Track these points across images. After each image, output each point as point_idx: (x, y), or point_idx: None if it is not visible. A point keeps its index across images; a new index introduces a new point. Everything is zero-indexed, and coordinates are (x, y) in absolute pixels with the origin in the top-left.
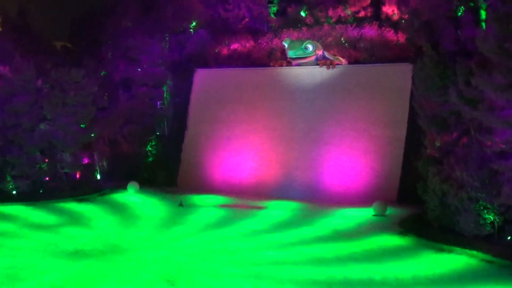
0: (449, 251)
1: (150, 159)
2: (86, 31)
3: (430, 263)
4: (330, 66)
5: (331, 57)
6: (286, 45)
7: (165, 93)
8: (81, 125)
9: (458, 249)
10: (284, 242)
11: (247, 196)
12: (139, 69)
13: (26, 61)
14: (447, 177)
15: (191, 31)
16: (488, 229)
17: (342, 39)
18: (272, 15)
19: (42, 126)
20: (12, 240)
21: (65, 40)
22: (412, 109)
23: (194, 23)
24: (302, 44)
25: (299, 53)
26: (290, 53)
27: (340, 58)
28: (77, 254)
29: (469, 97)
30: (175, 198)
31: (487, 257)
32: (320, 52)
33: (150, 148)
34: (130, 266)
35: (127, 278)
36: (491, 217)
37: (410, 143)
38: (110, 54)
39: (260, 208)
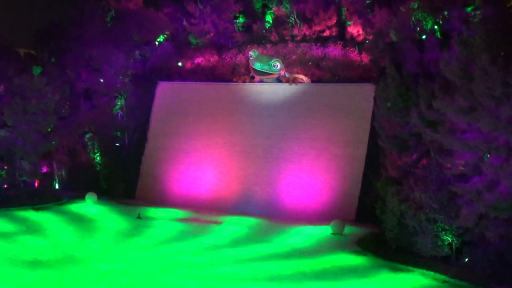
0: (406, 271)
1: (109, 170)
2: (50, 39)
3: (386, 283)
4: (293, 82)
5: (292, 77)
6: (253, 55)
7: (126, 104)
8: (42, 133)
9: (415, 269)
10: (240, 258)
11: (205, 210)
12: (102, 79)
13: None
14: (406, 197)
15: (155, 44)
16: (445, 250)
17: (306, 57)
18: (240, 28)
19: (2, 132)
20: None
21: (30, 47)
22: (373, 129)
23: (162, 37)
24: (271, 60)
25: (266, 68)
26: (257, 65)
27: (302, 76)
28: (34, 264)
29: (431, 119)
30: (133, 210)
31: (444, 277)
32: (283, 73)
33: (109, 159)
34: (86, 277)
35: None
36: (449, 239)
37: (370, 163)
38: (73, 62)
39: (217, 223)
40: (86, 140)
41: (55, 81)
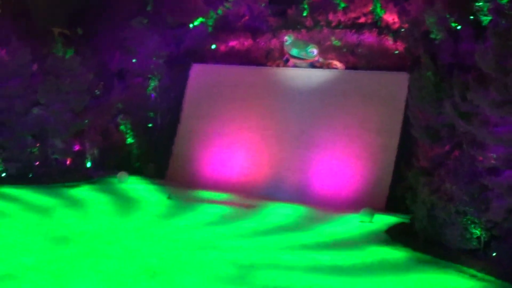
0: (434, 263)
1: (141, 150)
2: (85, 19)
3: (413, 274)
4: (327, 67)
5: (326, 62)
6: (289, 41)
7: (160, 85)
8: (75, 112)
9: (442, 261)
10: (267, 244)
11: (235, 193)
12: (135, 60)
13: (23, 45)
14: (436, 189)
15: (190, 26)
16: (474, 243)
17: (340, 43)
18: (275, 13)
19: (35, 110)
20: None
21: (64, 27)
22: (406, 119)
23: (200, 20)
24: (307, 46)
25: (303, 53)
26: (294, 51)
27: (337, 62)
28: (64, 240)
29: (464, 111)
30: (164, 190)
31: (471, 271)
32: (317, 58)
33: (141, 140)
34: (114, 255)
35: (111, 267)
36: (478, 232)
37: (401, 152)
38: (107, 43)
39: (248, 206)
40: (119, 120)
41: (89, 61)
